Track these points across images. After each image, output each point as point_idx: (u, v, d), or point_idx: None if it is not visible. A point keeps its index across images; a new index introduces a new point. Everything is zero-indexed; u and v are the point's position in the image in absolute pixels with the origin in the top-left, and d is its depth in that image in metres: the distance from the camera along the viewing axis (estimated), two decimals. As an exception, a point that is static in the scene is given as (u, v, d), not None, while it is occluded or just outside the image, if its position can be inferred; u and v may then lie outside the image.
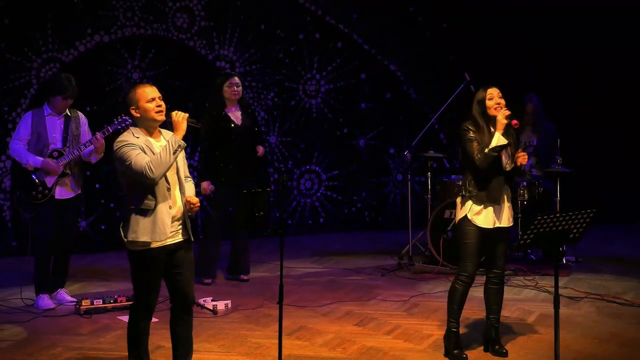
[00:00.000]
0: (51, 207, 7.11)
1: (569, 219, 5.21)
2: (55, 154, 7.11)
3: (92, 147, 7.08)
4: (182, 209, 5.09)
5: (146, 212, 4.98)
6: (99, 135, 7.03)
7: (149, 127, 5.07)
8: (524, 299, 7.56)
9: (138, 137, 5.01)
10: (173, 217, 5.03)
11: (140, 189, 4.97)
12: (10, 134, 9.17)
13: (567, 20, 11.03)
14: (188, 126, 5.05)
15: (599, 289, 7.79)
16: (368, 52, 10.93)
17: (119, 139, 5.01)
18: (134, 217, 5.00)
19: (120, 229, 5.07)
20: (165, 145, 4.94)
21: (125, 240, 5.03)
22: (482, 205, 5.81)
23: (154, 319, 6.79)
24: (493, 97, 5.84)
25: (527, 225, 5.34)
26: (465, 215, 5.85)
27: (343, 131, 10.92)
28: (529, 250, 8.73)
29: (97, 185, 9.53)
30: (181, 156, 5.15)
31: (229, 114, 7.91)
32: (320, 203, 10.90)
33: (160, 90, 5.12)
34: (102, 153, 7.17)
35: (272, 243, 9.73)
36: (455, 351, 5.91)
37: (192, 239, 5.18)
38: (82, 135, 7.24)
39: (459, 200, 5.94)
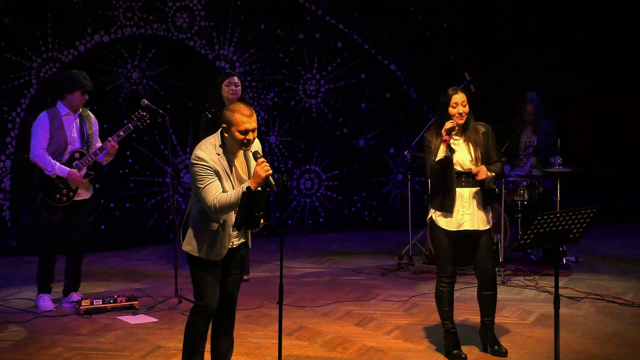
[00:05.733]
0: (71, 209, 7.11)
1: (569, 218, 5.18)
2: (77, 154, 7.05)
3: (106, 151, 7.07)
4: None
5: (208, 231, 4.96)
6: (112, 140, 7.01)
7: (233, 147, 4.97)
8: (524, 299, 7.55)
9: (219, 155, 4.91)
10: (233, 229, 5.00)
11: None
12: (10, 134, 9.19)
13: (566, 19, 11.01)
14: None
15: (599, 289, 7.79)
16: (368, 52, 10.92)
17: (197, 153, 4.90)
18: (194, 231, 4.99)
19: (181, 229, 5.05)
20: (238, 190, 4.84)
21: (182, 247, 5.05)
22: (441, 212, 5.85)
23: (153, 319, 6.84)
24: (457, 106, 5.76)
25: (527, 225, 5.33)
26: (431, 217, 5.90)
27: (343, 131, 10.91)
28: (529, 250, 8.73)
29: (97, 185, 9.51)
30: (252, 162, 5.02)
31: None
32: (320, 203, 10.90)
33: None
34: (114, 156, 7.19)
35: (272, 243, 9.72)
36: (455, 351, 5.90)
37: (250, 245, 5.18)
38: (94, 135, 7.20)
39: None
